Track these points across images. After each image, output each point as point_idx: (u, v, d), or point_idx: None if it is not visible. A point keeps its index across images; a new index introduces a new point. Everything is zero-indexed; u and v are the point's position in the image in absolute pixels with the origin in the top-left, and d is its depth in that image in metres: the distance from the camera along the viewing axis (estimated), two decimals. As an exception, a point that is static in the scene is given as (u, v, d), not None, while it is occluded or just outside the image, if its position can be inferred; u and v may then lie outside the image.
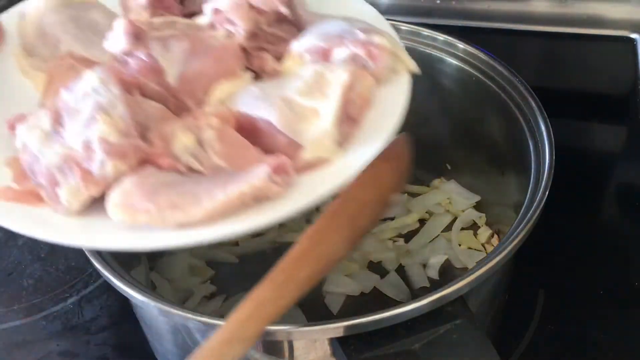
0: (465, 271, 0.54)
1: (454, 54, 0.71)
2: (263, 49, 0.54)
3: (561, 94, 0.89)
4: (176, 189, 0.45)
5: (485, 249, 0.71)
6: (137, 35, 0.51)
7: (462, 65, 0.71)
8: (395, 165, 0.45)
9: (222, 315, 0.62)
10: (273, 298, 0.40)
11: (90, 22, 0.58)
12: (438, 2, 0.97)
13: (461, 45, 0.71)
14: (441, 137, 0.74)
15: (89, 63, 0.55)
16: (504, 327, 0.65)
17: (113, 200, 0.45)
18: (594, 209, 0.77)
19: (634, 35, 0.91)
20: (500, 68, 0.67)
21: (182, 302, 0.65)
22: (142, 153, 0.47)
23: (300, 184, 0.47)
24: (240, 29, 0.53)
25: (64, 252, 0.77)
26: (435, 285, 0.67)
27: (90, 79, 0.49)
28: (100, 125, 0.46)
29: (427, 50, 0.71)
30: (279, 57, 0.54)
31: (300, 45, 0.53)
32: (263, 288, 0.40)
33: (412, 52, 0.66)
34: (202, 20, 0.55)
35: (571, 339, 0.65)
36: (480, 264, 0.51)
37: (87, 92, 0.48)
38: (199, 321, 0.49)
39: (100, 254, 0.55)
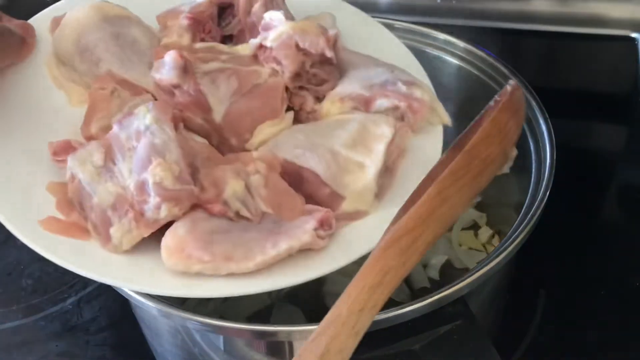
0: (465, 271, 0.54)
1: (454, 53, 0.71)
2: (304, 88, 0.55)
3: (562, 94, 0.89)
4: (228, 239, 0.47)
5: (486, 249, 0.70)
6: (186, 69, 0.51)
7: (463, 65, 0.70)
8: (515, 115, 0.42)
9: (221, 315, 0.63)
10: (399, 264, 0.37)
11: (130, 40, 0.57)
12: (438, 1, 0.97)
13: (461, 44, 0.71)
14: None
15: (130, 86, 0.55)
16: (504, 328, 0.65)
17: (168, 247, 0.46)
18: (595, 208, 0.77)
19: (635, 35, 0.91)
20: (500, 67, 0.67)
21: (181, 302, 0.65)
22: (195, 199, 0.47)
23: (341, 237, 0.49)
24: (286, 70, 0.53)
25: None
26: (435, 286, 0.67)
27: (143, 116, 0.49)
28: (155, 169, 0.47)
29: (427, 49, 0.71)
30: (318, 97, 0.55)
31: (344, 91, 0.54)
32: (388, 254, 0.37)
33: (412, 51, 0.66)
34: (244, 50, 0.55)
35: (572, 339, 0.65)
36: (481, 264, 0.51)
37: (140, 130, 0.49)
38: (198, 321, 0.49)
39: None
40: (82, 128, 0.54)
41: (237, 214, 0.49)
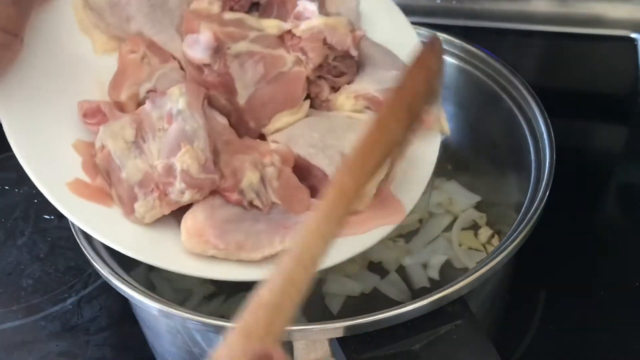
0: (465, 271, 0.54)
1: (454, 54, 0.71)
2: (322, 77, 0.57)
3: (561, 94, 0.89)
4: (241, 228, 0.51)
5: (485, 249, 0.70)
6: (218, 50, 0.52)
7: (463, 65, 0.70)
8: (434, 55, 0.49)
9: (222, 315, 0.63)
10: (353, 182, 0.43)
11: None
12: (438, 1, 0.97)
13: (461, 44, 0.71)
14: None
15: (158, 51, 0.56)
16: (504, 328, 0.65)
17: (188, 230, 0.50)
18: (595, 209, 0.77)
19: (634, 35, 0.91)
20: (500, 68, 0.67)
21: (181, 302, 0.65)
22: (216, 186, 0.51)
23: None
24: (310, 62, 0.55)
25: (63, 252, 0.77)
26: (435, 286, 0.67)
27: (176, 99, 0.51)
28: (184, 156, 0.49)
29: (428, 50, 0.71)
30: (334, 87, 0.58)
31: (359, 89, 0.57)
32: (342, 176, 0.43)
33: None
34: (272, 28, 0.56)
35: (572, 340, 0.65)
36: (480, 264, 0.51)
37: (173, 113, 0.51)
38: (199, 321, 0.49)
39: (99, 255, 0.55)
40: (111, 91, 0.55)
41: (250, 203, 0.52)
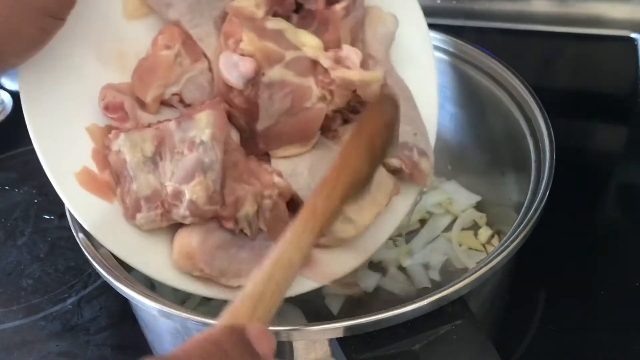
0: (465, 271, 0.54)
1: (454, 54, 0.71)
2: (338, 111, 0.57)
3: (561, 94, 0.89)
4: (226, 256, 0.53)
5: (485, 249, 0.71)
6: (253, 80, 0.52)
7: (462, 65, 0.70)
8: (391, 106, 0.53)
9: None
10: (322, 207, 0.47)
11: None
12: (438, 1, 0.97)
13: (461, 44, 0.71)
14: (441, 137, 0.74)
15: (192, 48, 0.54)
16: (504, 328, 0.65)
17: (180, 251, 0.53)
18: (595, 209, 0.77)
19: (634, 35, 0.91)
20: (500, 68, 0.67)
21: (181, 302, 0.65)
22: (216, 214, 0.52)
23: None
24: (334, 104, 0.55)
25: (63, 252, 0.77)
26: (435, 286, 0.67)
27: (202, 128, 0.51)
28: (195, 187, 0.51)
29: (428, 50, 0.71)
30: (345, 119, 0.58)
31: None
32: (313, 199, 0.47)
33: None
34: (308, 48, 0.54)
35: (572, 340, 0.65)
36: (480, 264, 0.51)
37: (195, 142, 0.51)
38: (199, 321, 0.49)
39: (99, 255, 0.55)
40: (137, 85, 0.53)
41: (241, 230, 0.53)
